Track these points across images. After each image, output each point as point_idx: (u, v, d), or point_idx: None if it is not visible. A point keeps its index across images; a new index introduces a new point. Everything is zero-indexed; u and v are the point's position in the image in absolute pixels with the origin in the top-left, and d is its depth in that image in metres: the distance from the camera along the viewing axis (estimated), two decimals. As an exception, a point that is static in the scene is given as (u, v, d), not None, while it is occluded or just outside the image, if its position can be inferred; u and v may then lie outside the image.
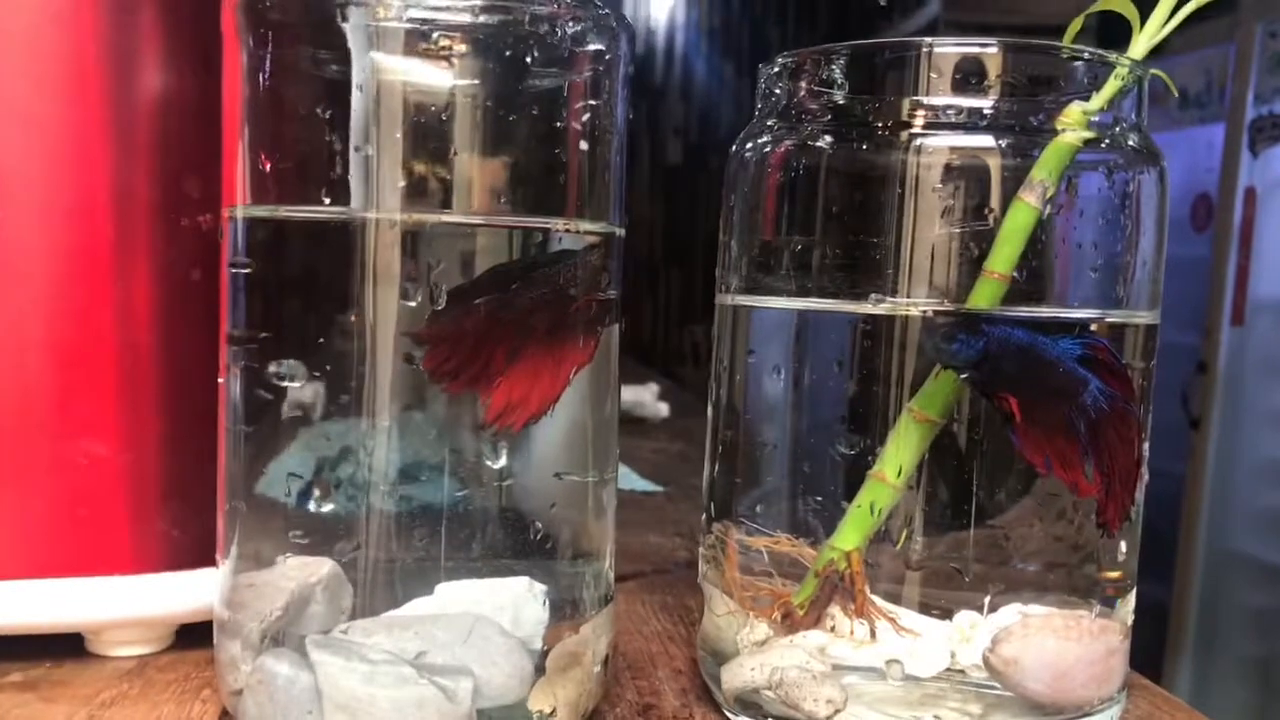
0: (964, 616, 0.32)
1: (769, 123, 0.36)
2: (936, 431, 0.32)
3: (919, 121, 0.32)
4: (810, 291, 0.34)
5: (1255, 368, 1.72)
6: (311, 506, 0.30)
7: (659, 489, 0.75)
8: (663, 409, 1.11)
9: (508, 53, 0.30)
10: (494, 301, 0.30)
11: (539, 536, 0.32)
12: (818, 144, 0.34)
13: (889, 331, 0.33)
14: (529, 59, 0.30)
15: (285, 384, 0.30)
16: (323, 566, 0.31)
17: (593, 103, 0.31)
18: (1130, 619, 0.35)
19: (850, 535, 0.32)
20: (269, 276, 0.31)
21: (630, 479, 0.77)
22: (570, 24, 0.30)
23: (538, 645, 0.31)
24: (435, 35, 0.29)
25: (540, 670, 0.31)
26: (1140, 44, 0.33)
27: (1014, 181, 0.31)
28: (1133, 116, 0.34)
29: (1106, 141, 0.33)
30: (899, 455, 0.32)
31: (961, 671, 0.32)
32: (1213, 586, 1.77)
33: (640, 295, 3.24)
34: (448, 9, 0.29)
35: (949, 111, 0.32)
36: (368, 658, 0.29)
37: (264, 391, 0.30)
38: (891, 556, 0.33)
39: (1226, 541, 1.75)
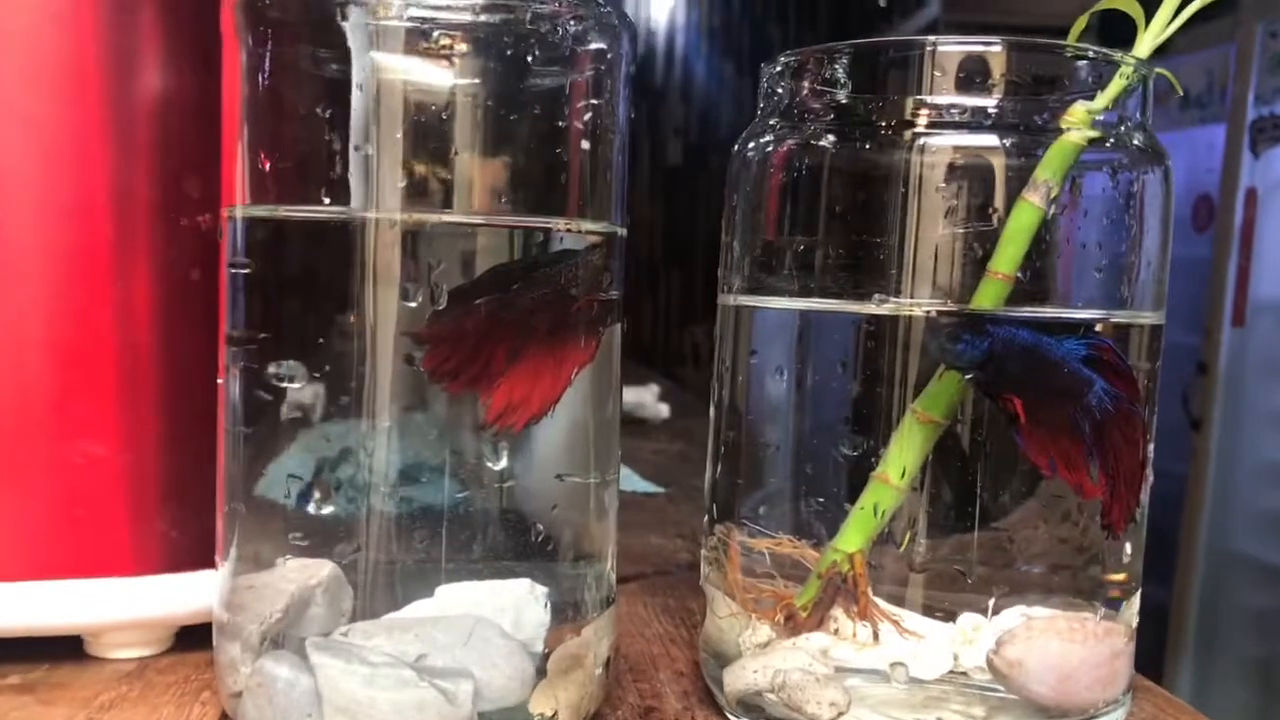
0: (968, 619, 0.32)
1: (771, 122, 0.36)
2: (940, 433, 0.32)
3: (922, 121, 0.32)
4: (813, 292, 0.34)
5: (1256, 369, 1.72)
6: (311, 508, 0.30)
7: (660, 490, 0.75)
8: (663, 410, 1.11)
9: (509, 52, 0.30)
10: (495, 301, 0.29)
11: (540, 538, 0.32)
12: (821, 143, 0.34)
13: (892, 332, 0.32)
14: (530, 58, 0.30)
15: (285, 385, 0.30)
16: (323, 568, 0.30)
17: (594, 102, 0.31)
18: (1135, 621, 0.35)
19: (853, 537, 0.32)
20: (268, 276, 0.31)
21: (631, 480, 0.76)
22: (572, 23, 0.30)
23: (539, 648, 0.31)
24: (436, 34, 0.29)
25: (541, 673, 0.31)
26: (1145, 43, 0.33)
27: (1018, 181, 0.31)
28: (1137, 116, 0.34)
29: (1111, 141, 0.33)
30: (902, 456, 0.32)
31: (965, 674, 0.32)
32: (1213, 587, 1.77)
33: (641, 296, 3.24)
34: (448, 8, 0.29)
35: (953, 111, 0.32)
36: (368, 660, 0.29)
37: (263, 392, 0.30)
38: (895, 558, 0.32)
39: (1227, 542, 1.75)
